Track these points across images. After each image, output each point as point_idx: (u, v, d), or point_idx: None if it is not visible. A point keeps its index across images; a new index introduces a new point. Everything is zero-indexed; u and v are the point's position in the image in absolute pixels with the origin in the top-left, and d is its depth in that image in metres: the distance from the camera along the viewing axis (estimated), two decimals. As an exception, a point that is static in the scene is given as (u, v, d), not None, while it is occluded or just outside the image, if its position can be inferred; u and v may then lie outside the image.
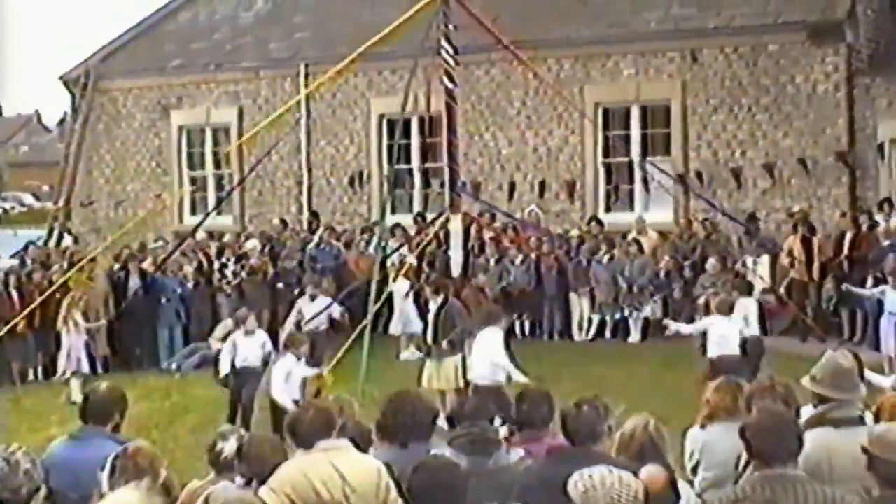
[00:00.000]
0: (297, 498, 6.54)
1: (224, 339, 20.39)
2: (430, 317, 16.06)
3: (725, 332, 15.14)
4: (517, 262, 21.65)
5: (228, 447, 7.43)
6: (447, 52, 16.90)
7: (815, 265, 20.29)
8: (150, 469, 6.62)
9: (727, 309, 15.50)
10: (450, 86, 17.08)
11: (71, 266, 22.40)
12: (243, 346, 15.70)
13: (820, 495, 5.73)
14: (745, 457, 6.33)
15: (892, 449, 5.49)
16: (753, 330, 16.00)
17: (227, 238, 24.85)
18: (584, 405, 6.74)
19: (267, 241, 23.89)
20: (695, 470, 7.87)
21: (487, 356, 13.89)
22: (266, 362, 15.57)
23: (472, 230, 21.08)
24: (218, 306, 22.39)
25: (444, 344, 15.59)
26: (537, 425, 7.53)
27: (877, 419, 7.33)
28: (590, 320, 21.47)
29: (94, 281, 21.45)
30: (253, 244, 23.42)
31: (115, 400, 7.93)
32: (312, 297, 18.73)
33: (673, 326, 17.18)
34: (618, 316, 21.04)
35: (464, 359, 15.65)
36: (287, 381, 14.44)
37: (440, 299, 15.97)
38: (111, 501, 5.39)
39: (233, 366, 15.57)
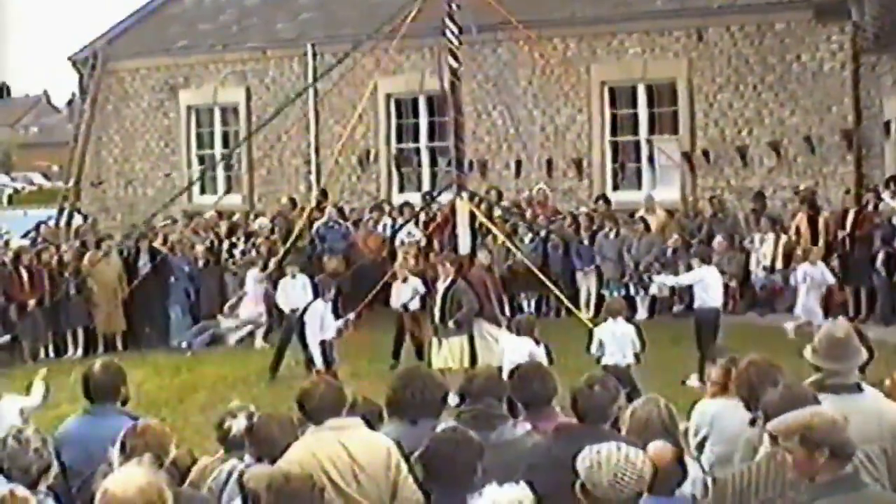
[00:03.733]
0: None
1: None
2: (438, 296, 16.16)
3: (709, 280, 16.36)
4: (526, 240, 21.73)
5: (237, 424, 7.47)
6: (451, 31, 16.93)
7: (821, 243, 20.30)
8: (159, 446, 6.68)
9: (707, 258, 16.93)
10: (454, 65, 17.11)
11: (83, 245, 22.61)
12: None
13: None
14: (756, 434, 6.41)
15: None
16: (716, 300, 16.53)
17: (236, 217, 24.93)
18: (596, 384, 6.74)
19: (276, 220, 23.99)
20: (701, 446, 7.89)
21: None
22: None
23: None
24: (226, 285, 22.49)
25: (451, 323, 15.71)
26: (542, 402, 7.58)
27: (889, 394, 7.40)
28: (600, 296, 21.53)
29: (108, 257, 21.63)
30: (261, 223, 23.52)
31: (115, 375, 7.97)
32: (293, 276, 18.73)
33: (658, 279, 17.88)
34: (623, 293, 21.07)
35: (470, 338, 15.77)
36: (322, 326, 15.58)
37: (449, 279, 16.09)
38: (115, 478, 5.47)
39: None
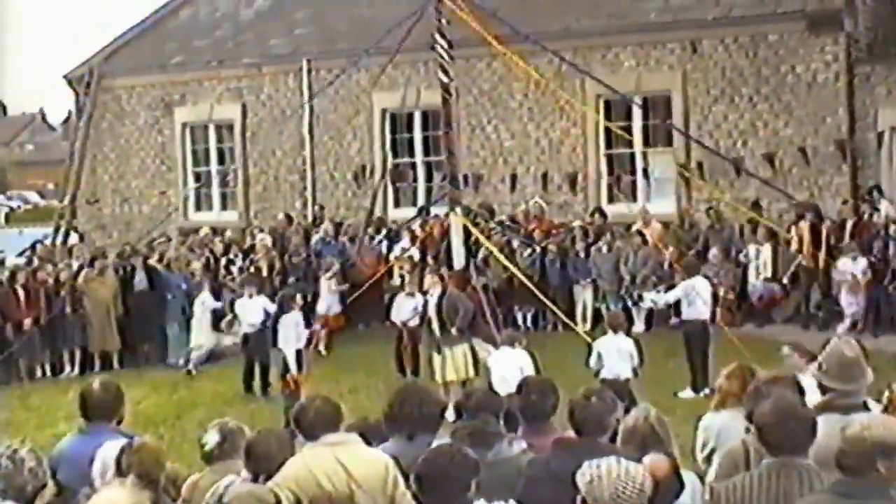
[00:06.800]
0: (301, 493, 6.52)
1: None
2: (431, 308, 16.24)
3: (696, 291, 16.46)
4: (525, 254, 21.72)
5: (209, 439, 7.43)
6: (441, 46, 16.95)
7: (822, 252, 20.27)
8: (155, 464, 6.67)
9: (694, 270, 17.19)
10: (445, 79, 17.12)
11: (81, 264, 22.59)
12: None
13: (828, 484, 5.73)
14: (752, 445, 6.39)
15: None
16: (703, 312, 16.61)
17: (228, 233, 24.90)
18: (593, 396, 6.76)
19: (274, 236, 23.99)
20: (709, 458, 7.86)
21: None
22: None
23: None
24: (223, 302, 22.44)
25: (454, 331, 15.72)
26: (543, 417, 7.55)
27: (885, 411, 7.38)
28: (596, 309, 21.53)
29: (103, 276, 21.62)
30: (263, 237, 23.54)
31: (114, 395, 7.95)
32: (250, 296, 18.62)
33: (649, 297, 18.05)
34: (620, 305, 21.03)
35: (472, 347, 15.78)
36: (295, 332, 16.01)
37: (438, 290, 16.17)
38: (97, 500, 5.45)
39: None
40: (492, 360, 14.48)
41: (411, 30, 17.69)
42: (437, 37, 16.91)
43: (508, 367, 13.51)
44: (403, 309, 18.23)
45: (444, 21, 16.88)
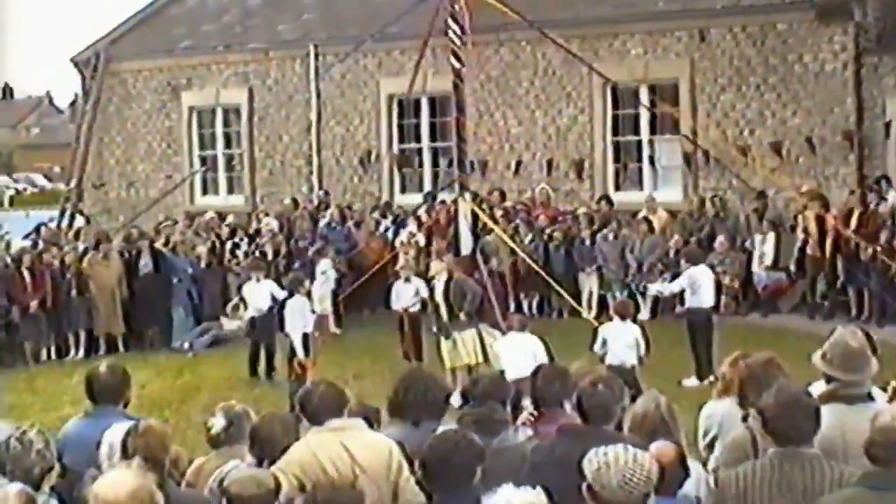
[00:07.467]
0: (305, 478, 6.51)
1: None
2: (439, 294, 16.25)
3: (699, 281, 16.46)
4: (527, 241, 21.71)
5: (216, 423, 7.44)
6: (454, 31, 16.95)
7: (829, 242, 20.23)
8: (160, 447, 6.66)
9: (696, 259, 17.07)
10: (456, 65, 17.13)
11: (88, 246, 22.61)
12: None
13: (836, 474, 5.78)
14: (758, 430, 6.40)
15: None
16: (706, 301, 16.63)
17: (231, 218, 24.90)
18: (599, 384, 6.75)
19: (280, 220, 24.01)
20: (711, 446, 7.83)
21: None
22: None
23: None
24: (229, 286, 22.46)
25: (462, 316, 15.73)
26: (556, 403, 7.49)
27: (891, 401, 7.36)
28: (601, 296, 21.55)
29: (108, 259, 21.63)
30: (269, 221, 23.56)
31: (121, 378, 7.97)
32: (257, 280, 18.59)
33: (653, 287, 18.04)
34: (626, 293, 21.03)
35: (479, 332, 15.78)
36: (302, 316, 16.04)
37: (445, 276, 16.18)
38: (105, 481, 5.45)
39: None
40: (500, 345, 14.47)
41: (437, 14, 17.71)
42: (450, 22, 16.92)
43: (519, 352, 13.49)
44: (403, 295, 18.23)
45: (457, 7, 16.89)
